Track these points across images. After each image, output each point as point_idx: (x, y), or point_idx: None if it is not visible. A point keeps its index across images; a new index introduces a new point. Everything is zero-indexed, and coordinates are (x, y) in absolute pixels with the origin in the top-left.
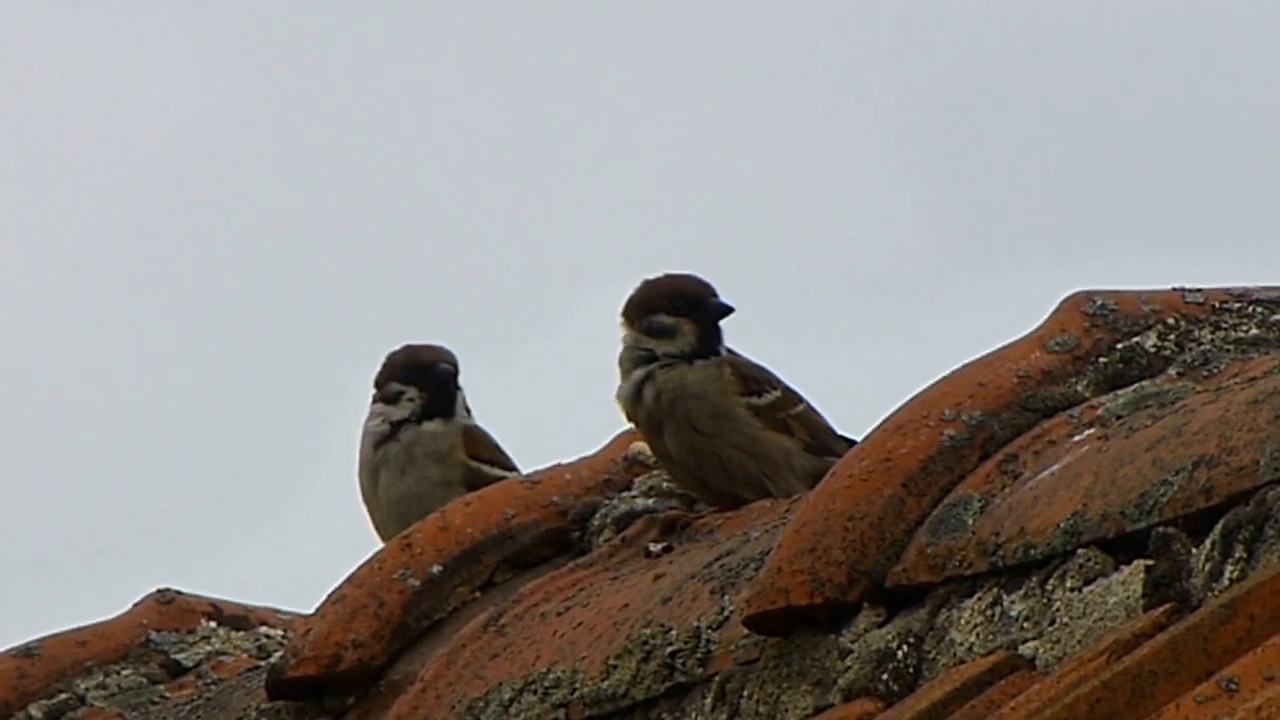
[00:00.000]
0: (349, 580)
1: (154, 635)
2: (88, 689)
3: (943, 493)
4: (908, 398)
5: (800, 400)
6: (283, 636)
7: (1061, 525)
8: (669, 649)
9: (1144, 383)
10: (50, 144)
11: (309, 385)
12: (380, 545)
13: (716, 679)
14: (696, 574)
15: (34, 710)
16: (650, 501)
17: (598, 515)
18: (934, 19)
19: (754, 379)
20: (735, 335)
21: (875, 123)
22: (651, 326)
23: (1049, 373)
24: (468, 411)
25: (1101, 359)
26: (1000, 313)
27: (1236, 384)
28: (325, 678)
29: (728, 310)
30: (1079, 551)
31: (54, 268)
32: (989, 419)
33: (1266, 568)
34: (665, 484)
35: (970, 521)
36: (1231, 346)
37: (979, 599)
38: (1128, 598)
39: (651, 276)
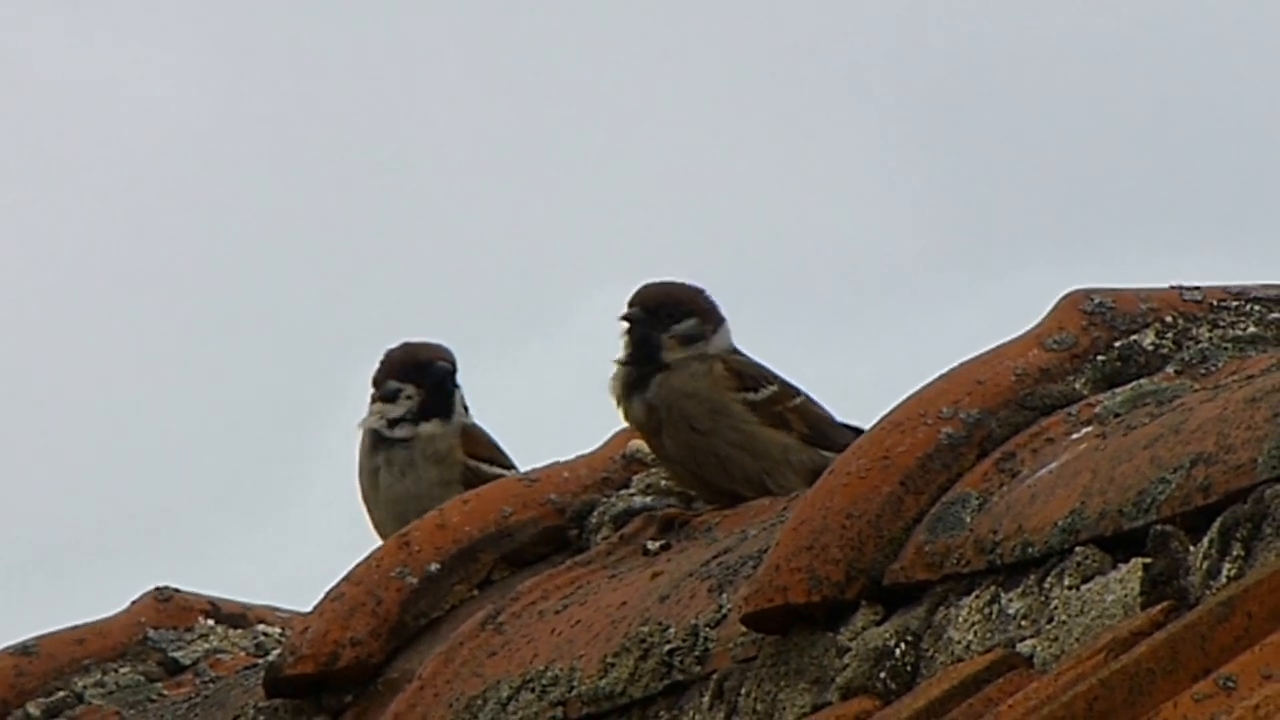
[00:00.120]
0: (347, 578)
1: (152, 633)
2: (85, 687)
3: (940, 491)
4: (905, 396)
5: (798, 393)
6: (281, 634)
7: (1059, 523)
8: (667, 647)
9: (1142, 381)
10: (49, 144)
11: (308, 384)
12: (379, 544)
13: (714, 677)
14: (694, 572)
15: (32, 708)
16: (648, 499)
17: (595, 513)
18: (933, 18)
19: (749, 375)
20: (735, 334)
21: (874, 121)
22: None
23: (1047, 371)
24: (466, 410)
25: (1099, 357)
26: (998, 311)
27: (1234, 382)
28: (323, 676)
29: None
30: (1077, 549)
31: (53, 267)
32: (987, 417)
33: (1264, 566)
34: (663, 482)
35: (968, 519)
36: (1229, 344)
37: (977, 597)
38: (1125, 596)
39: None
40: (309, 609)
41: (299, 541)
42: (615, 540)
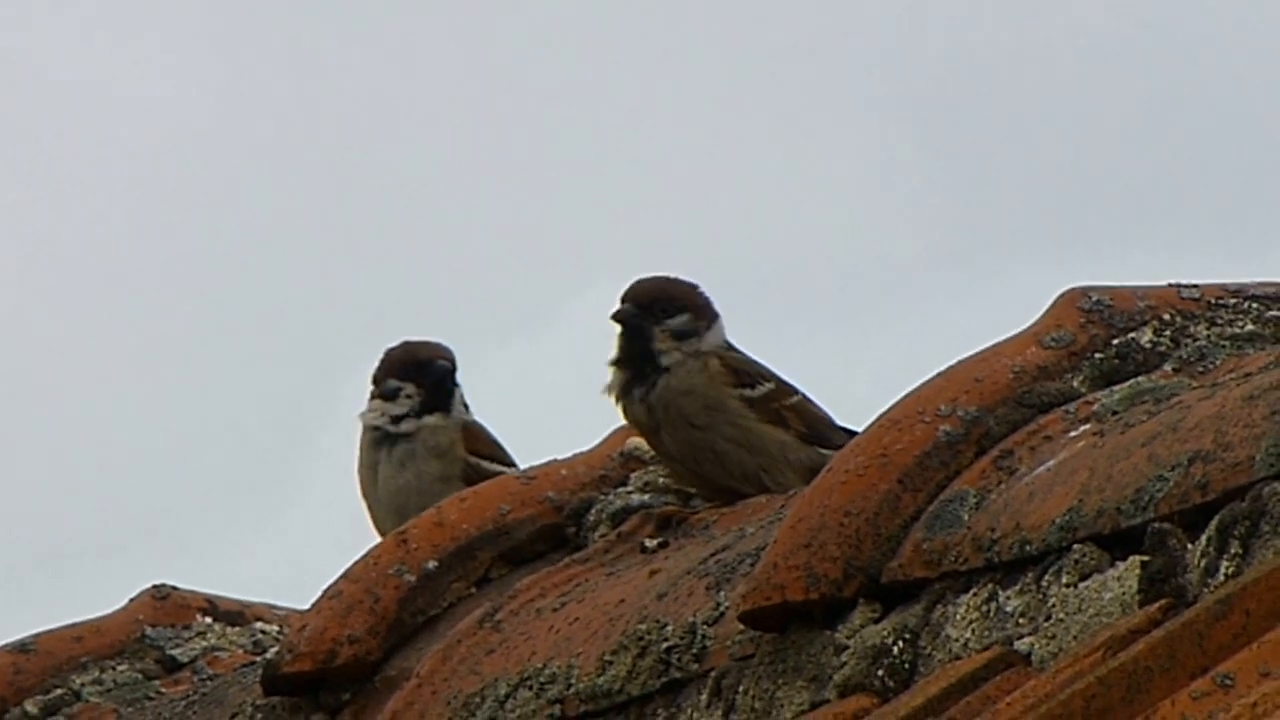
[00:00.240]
0: (345, 576)
1: (149, 631)
2: (83, 684)
3: (938, 488)
4: (903, 394)
5: (795, 392)
6: (278, 632)
7: (1057, 521)
8: (664, 645)
9: (1140, 378)
10: (48, 143)
11: (305, 382)
12: (377, 540)
13: (712, 675)
14: (692, 570)
15: (29, 706)
16: (646, 497)
17: (593, 511)
18: (929, 17)
19: (745, 371)
20: (732, 332)
21: (872, 121)
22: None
23: (1045, 368)
24: (466, 407)
25: (1097, 355)
26: (996, 309)
27: (1232, 380)
28: (321, 673)
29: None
30: (1074, 547)
31: (52, 267)
32: (985, 415)
33: (1262, 563)
34: (661, 479)
35: (966, 517)
36: (1227, 342)
37: (975, 595)
38: (1123, 593)
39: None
40: (307, 607)
41: (296, 539)
42: (613, 538)
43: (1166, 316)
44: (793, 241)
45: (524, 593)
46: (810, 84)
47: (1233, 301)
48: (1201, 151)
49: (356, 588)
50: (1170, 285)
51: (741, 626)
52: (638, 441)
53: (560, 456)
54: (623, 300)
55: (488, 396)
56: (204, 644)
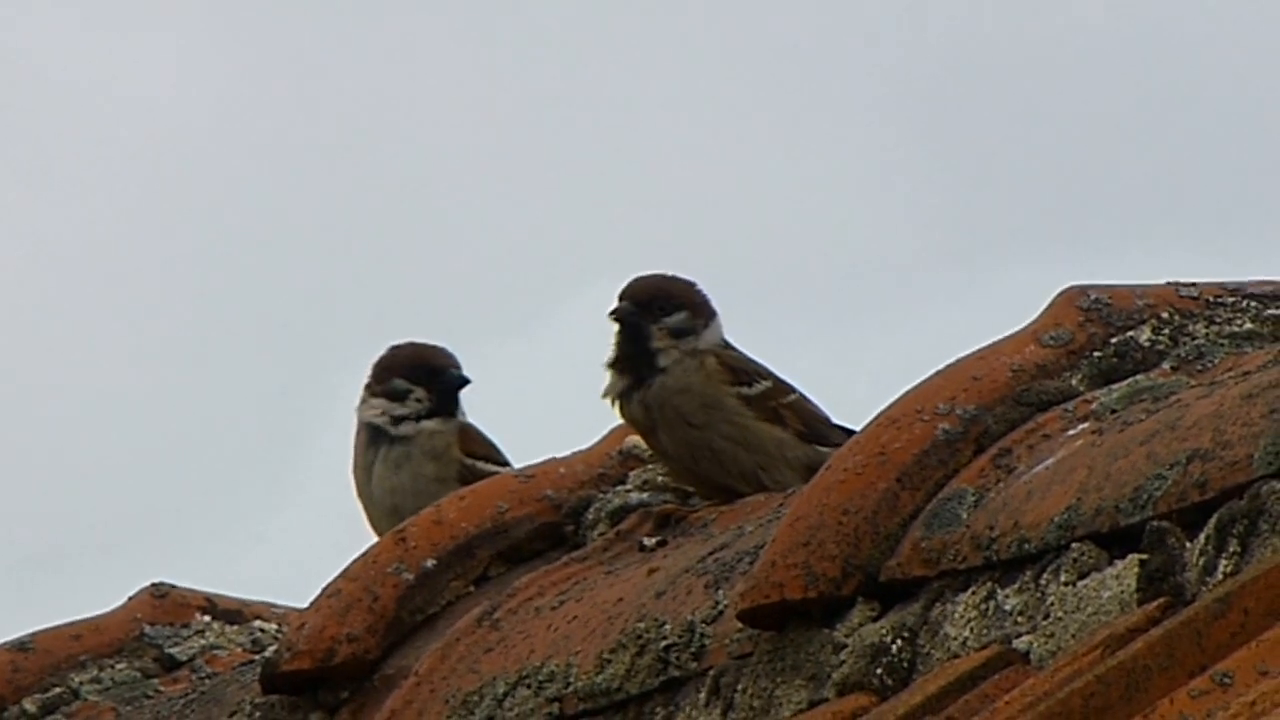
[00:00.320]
0: (343, 574)
1: (148, 629)
2: (82, 683)
3: (937, 487)
4: (902, 392)
5: (792, 390)
6: (277, 630)
7: (1055, 519)
8: (663, 643)
9: (1138, 377)
10: (46, 143)
11: (302, 380)
12: (374, 539)
13: (710, 673)
14: (691, 568)
15: (28, 704)
16: (645, 495)
17: (592, 509)
18: (928, 14)
19: (743, 370)
20: (730, 331)
21: (871, 119)
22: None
23: (1043, 367)
24: (462, 410)
25: (1095, 353)
26: (994, 307)
27: (1230, 378)
28: (319, 672)
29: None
30: (1073, 545)
31: (52, 266)
32: (983, 413)
33: (1260, 562)
34: (660, 478)
35: (964, 516)
36: (1225, 341)
37: (973, 593)
38: (1122, 592)
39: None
40: (305, 605)
41: (295, 538)
42: (611, 536)
43: (1165, 315)
44: (791, 240)
45: (522, 591)
46: (810, 84)
47: (1231, 300)
48: (1201, 151)
49: (355, 586)
50: (1169, 284)
51: (740, 625)
52: (636, 440)
53: (559, 455)
54: (620, 298)
55: (485, 396)
56: (203, 642)
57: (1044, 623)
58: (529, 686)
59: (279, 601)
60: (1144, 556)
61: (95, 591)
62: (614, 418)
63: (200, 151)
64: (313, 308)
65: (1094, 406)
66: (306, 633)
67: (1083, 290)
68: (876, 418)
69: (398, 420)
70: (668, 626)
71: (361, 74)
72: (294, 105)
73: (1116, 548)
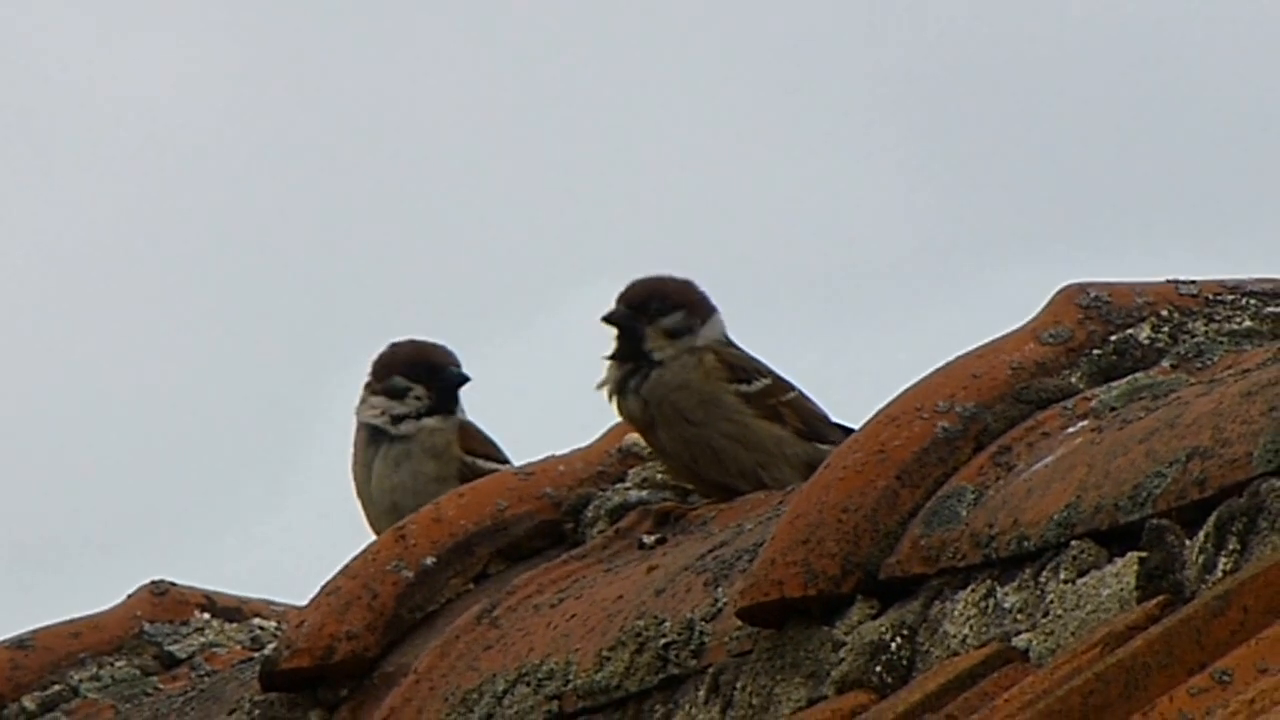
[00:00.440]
0: (342, 572)
1: (147, 627)
2: (81, 680)
3: (936, 484)
4: (901, 390)
5: (791, 388)
6: (276, 628)
7: (1055, 517)
8: (662, 641)
9: (1137, 375)
10: (48, 142)
11: (301, 377)
12: (373, 537)
13: (710, 671)
14: (690, 566)
15: (27, 702)
16: (644, 493)
17: (591, 507)
18: (932, 14)
19: (741, 367)
20: (731, 329)
21: (870, 117)
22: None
23: (1043, 364)
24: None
25: (1095, 351)
26: (994, 305)
27: (1230, 376)
28: (319, 669)
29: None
30: (1072, 543)
31: (51, 265)
32: (982, 411)
33: (1260, 560)
34: (659, 476)
35: (964, 513)
36: (1225, 339)
37: (972, 591)
38: (1121, 590)
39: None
40: (304, 603)
41: (294, 535)
42: (611, 534)
43: (1164, 313)
44: (791, 239)
45: (522, 589)
46: (810, 83)
47: (1230, 298)
48: (1200, 149)
49: (354, 584)
50: (1168, 281)
51: (739, 623)
52: (636, 437)
53: (558, 452)
54: (616, 302)
55: (485, 394)
56: (202, 640)
57: (1043, 620)
58: (528, 684)
59: (278, 599)
60: (1143, 554)
61: (94, 589)
62: (613, 415)
63: (201, 151)
64: (312, 307)
65: (1093, 404)
66: (306, 630)
67: (1082, 288)
68: (876, 415)
69: (398, 419)
70: (667, 624)
71: (362, 73)
72: (294, 105)
73: (1116, 545)
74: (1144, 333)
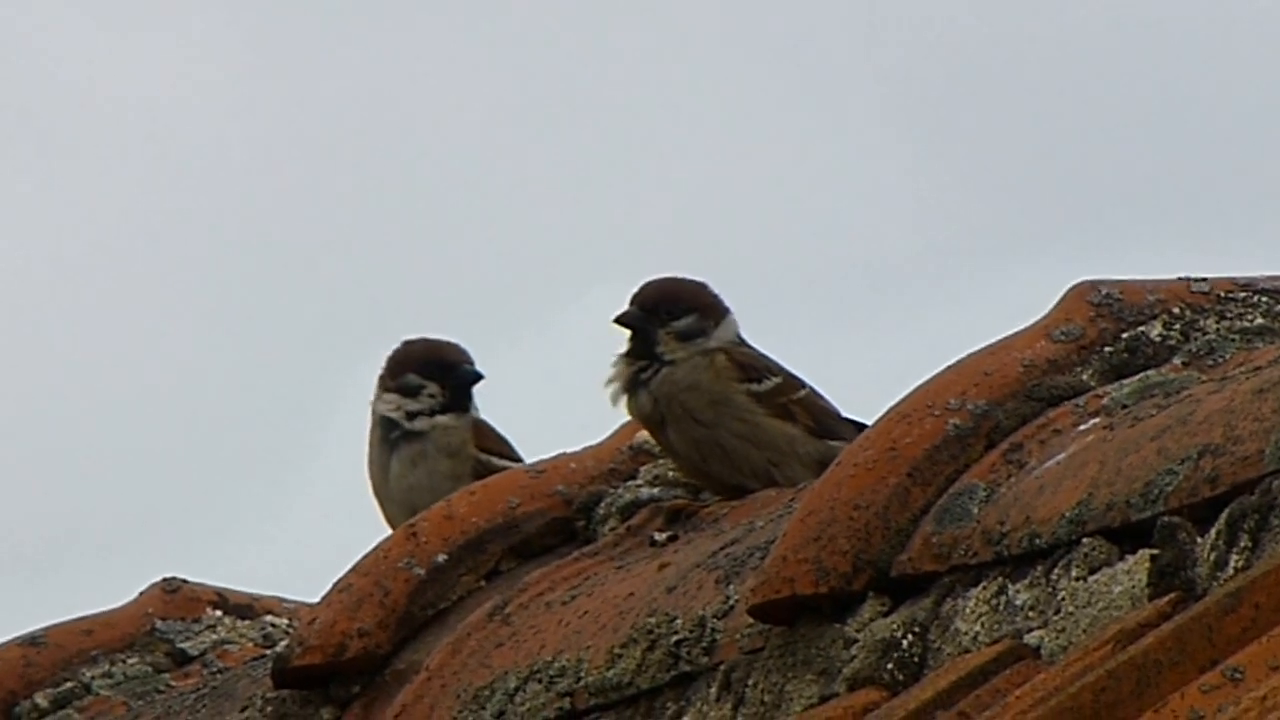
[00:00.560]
0: (354, 569)
1: (159, 624)
2: (93, 678)
3: (948, 482)
4: (913, 387)
5: (803, 386)
6: (288, 625)
7: (1066, 514)
8: (674, 638)
9: (1149, 372)
10: (53, 140)
11: (313, 375)
12: (388, 534)
13: (721, 668)
14: (701, 563)
15: (40, 699)
16: (655, 490)
17: (603, 504)
18: (942, 10)
19: (752, 366)
20: (742, 327)
21: (880, 114)
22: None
23: (1054, 362)
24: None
25: (1107, 348)
26: (1005, 303)
27: (1241, 373)
28: (330, 666)
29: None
30: (1084, 541)
31: (63, 261)
32: (994, 408)
33: (1271, 557)
34: (671, 473)
35: (975, 511)
36: (1237, 336)
37: (984, 588)
38: (1133, 587)
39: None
40: (316, 600)
41: (306, 532)
42: (622, 531)
43: (1176, 310)
44: (799, 239)
45: (533, 586)
46: (817, 79)
47: (1242, 295)
48: (1212, 145)
49: (366, 581)
50: (1180, 279)
51: (751, 620)
52: (647, 435)
53: (570, 450)
54: (630, 303)
55: (496, 392)
56: (214, 637)
57: (1055, 618)
58: (540, 681)
59: (290, 596)
60: (1155, 552)
61: (106, 586)
62: (621, 415)
63: (207, 148)
64: (323, 305)
65: (1105, 402)
66: (318, 628)
67: (1094, 285)
68: (887, 413)
69: (412, 415)
70: (679, 621)
71: (372, 73)
72: (304, 104)
73: (1127, 543)
74: (1155, 330)
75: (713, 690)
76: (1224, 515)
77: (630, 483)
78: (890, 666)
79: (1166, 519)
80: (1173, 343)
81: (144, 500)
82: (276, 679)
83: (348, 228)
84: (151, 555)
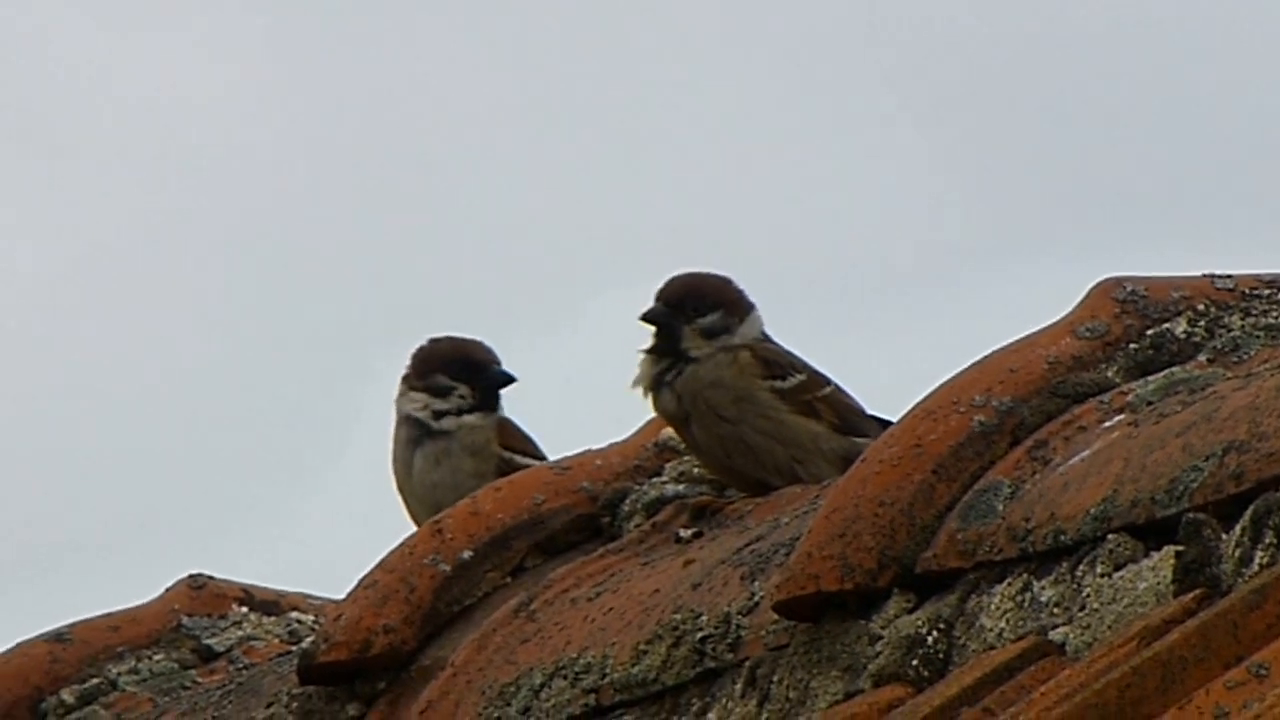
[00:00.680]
0: (380, 565)
1: (185, 620)
2: (119, 674)
3: (973, 479)
4: (938, 384)
5: (828, 383)
6: (314, 622)
7: (1091, 511)
8: (699, 634)
9: (1174, 369)
10: (74, 136)
11: (337, 372)
12: (412, 531)
13: (747, 664)
14: (727, 559)
15: (66, 695)
16: (681, 487)
17: (628, 501)
18: (959, 9)
19: (776, 363)
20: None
21: (900, 113)
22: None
23: (1079, 359)
24: None
25: (1132, 345)
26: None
27: (1266, 370)
28: (356, 663)
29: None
30: (1109, 537)
31: (93, 255)
32: (1019, 405)
33: None
34: (696, 469)
35: (1000, 507)
36: (1261, 333)
37: (1009, 585)
38: (1157, 583)
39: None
40: (342, 596)
41: (332, 529)
42: (647, 528)
43: (1201, 307)
44: (823, 234)
45: (559, 582)
46: (836, 77)
47: (1267, 292)
48: (1234, 141)
49: (392, 577)
50: (1204, 276)
51: (776, 616)
52: (672, 432)
53: (595, 446)
54: (655, 299)
55: (521, 391)
56: (240, 633)
57: (1080, 614)
58: (565, 678)
59: (316, 592)
60: (1180, 548)
61: (133, 583)
62: (649, 411)
63: (230, 146)
64: (347, 303)
65: (1130, 398)
66: (343, 624)
67: (1118, 282)
68: (912, 410)
69: (439, 414)
70: (704, 618)
71: (397, 67)
72: (321, 105)
73: (1152, 539)
74: (1180, 327)
75: (738, 686)
76: (1249, 512)
77: (655, 479)
78: (915, 663)
79: (1191, 516)
80: (1197, 339)
81: (170, 497)
82: (302, 675)
83: (370, 225)
84: (177, 552)
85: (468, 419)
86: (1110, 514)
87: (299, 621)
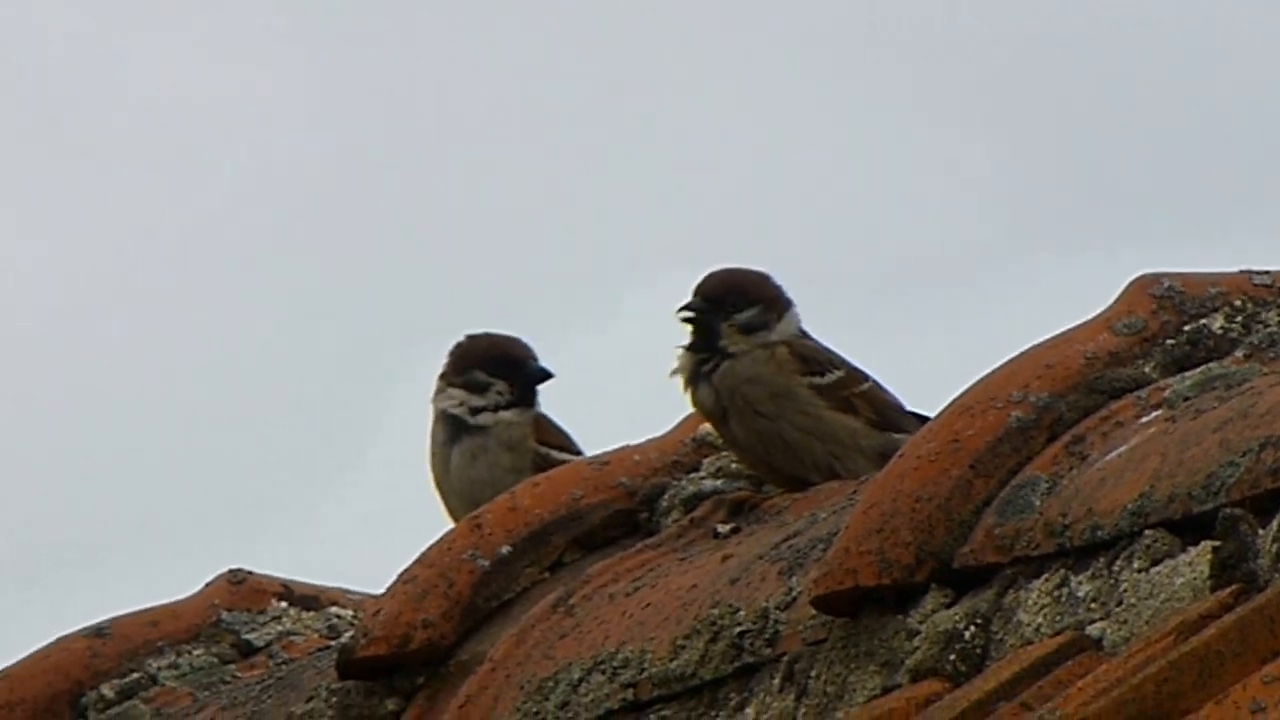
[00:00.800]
0: (419, 561)
1: (225, 615)
2: (159, 669)
3: (1010, 474)
4: (975, 379)
5: (866, 378)
6: (353, 617)
7: (1128, 506)
8: (737, 629)
9: (1211, 364)
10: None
11: (374, 367)
12: (450, 526)
13: (784, 659)
14: (764, 555)
15: (106, 690)
16: (718, 482)
17: (666, 496)
18: (976, 5)
19: (814, 359)
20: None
21: (927, 109)
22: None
23: (1116, 354)
24: None
25: (1169, 341)
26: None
27: None
28: (395, 658)
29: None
30: (1146, 533)
31: (129, 249)
32: (1056, 401)
33: None
34: (733, 465)
35: (1037, 503)
36: None
37: (1046, 580)
38: (1194, 579)
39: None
40: (381, 591)
41: (371, 524)
42: (685, 523)
43: (1238, 303)
44: (860, 230)
45: (597, 578)
46: (863, 73)
47: None
48: (1268, 137)
49: (431, 572)
50: (1241, 272)
51: (814, 611)
52: (710, 427)
53: (633, 442)
54: (693, 294)
55: (557, 386)
56: (279, 628)
57: (1117, 609)
58: (604, 673)
59: (355, 587)
60: (1217, 543)
61: (172, 577)
62: (687, 406)
63: (259, 143)
64: (382, 300)
65: (1167, 394)
66: (382, 619)
67: (1156, 278)
68: (950, 405)
69: (476, 410)
70: (742, 613)
71: (427, 64)
72: (351, 102)
73: (1189, 535)
74: (1217, 323)
75: (775, 681)
76: None
77: (693, 475)
78: (953, 658)
79: (1228, 511)
80: (1234, 335)
81: (209, 493)
82: (341, 670)
83: (405, 221)
84: (217, 547)
85: (505, 415)
86: (1147, 509)
87: (338, 616)
